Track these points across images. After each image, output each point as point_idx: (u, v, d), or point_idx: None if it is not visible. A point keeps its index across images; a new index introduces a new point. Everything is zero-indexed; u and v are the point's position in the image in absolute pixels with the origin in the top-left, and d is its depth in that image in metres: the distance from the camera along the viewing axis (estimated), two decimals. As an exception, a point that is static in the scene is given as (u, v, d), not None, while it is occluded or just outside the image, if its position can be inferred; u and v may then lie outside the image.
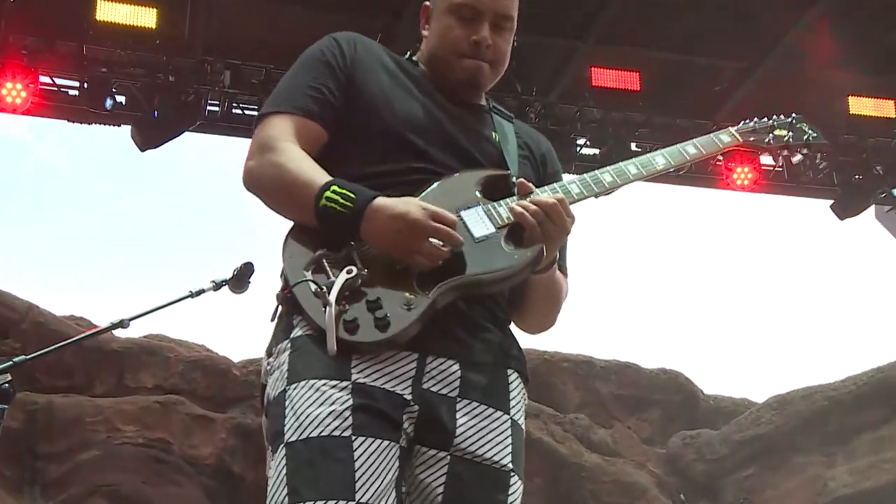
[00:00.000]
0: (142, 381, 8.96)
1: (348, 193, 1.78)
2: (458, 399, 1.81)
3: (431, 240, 1.76)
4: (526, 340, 2.03)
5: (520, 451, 1.87)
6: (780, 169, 8.69)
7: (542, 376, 10.10)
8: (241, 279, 3.86)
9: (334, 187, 1.79)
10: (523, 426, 1.91)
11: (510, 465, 1.83)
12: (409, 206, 1.77)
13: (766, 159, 8.49)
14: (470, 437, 1.81)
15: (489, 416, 1.84)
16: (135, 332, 9.72)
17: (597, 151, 8.45)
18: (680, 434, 10.80)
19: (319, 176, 1.83)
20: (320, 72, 1.99)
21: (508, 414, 1.87)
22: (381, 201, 1.78)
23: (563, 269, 2.08)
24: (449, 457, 1.79)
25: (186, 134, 7.48)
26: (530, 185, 1.93)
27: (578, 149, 8.37)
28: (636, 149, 8.54)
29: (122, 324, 3.66)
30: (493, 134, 2.09)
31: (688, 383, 11.21)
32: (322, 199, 1.78)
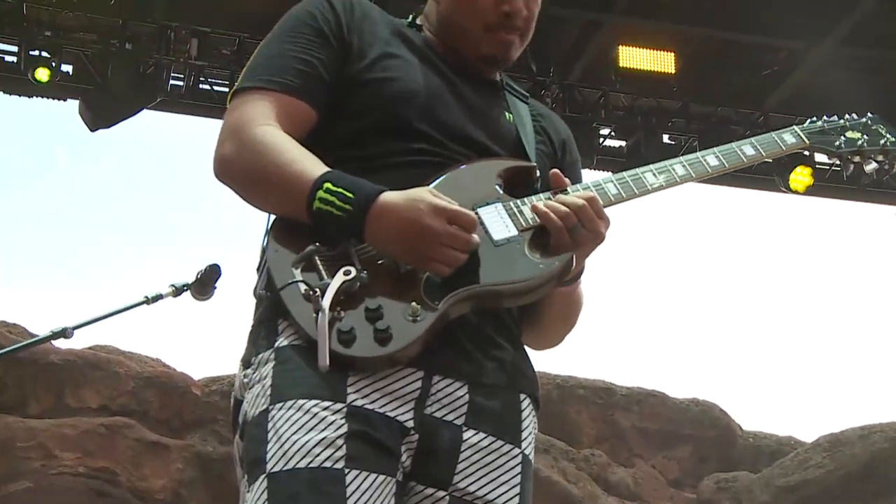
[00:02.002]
0: (85, 401, 8.93)
1: (345, 192, 1.75)
2: (465, 428, 1.81)
3: (447, 245, 1.75)
4: (536, 363, 2.03)
5: (528, 492, 1.87)
6: (838, 169, 8.69)
7: (554, 405, 10.09)
8: (205, 284, 3.87)
9: (328, 184, 1.76)
10: (533, 461, 1.91)
11: None
12: (421, 206, 1.75)
13: (820, 157, 8.49)
14: (472, 474, 1.80)
15: (497, 450, 1.84)
16: (78, 342, 9.72)
17: (623, 143, 8.48)
18: (713, 476, 10.78)
19: (311, 166, 1.81)
20: (309, 39, 1.96)
21: (520, 448, 1.87)
22: (386, 200, 1.76)
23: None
24: (448, 497, 1.79)
25: (144, 112, 7.49)
26: (565, 178, 1.93)
27: (601, 140, 8.40)
28: (669, 141, 8.56)
29: (65, 333, 3.67)
30: (508, 115, 2.08)
31: (724, 417, 11.20)
32: (315, 200, 1.76)
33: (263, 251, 1.90)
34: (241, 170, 1.87)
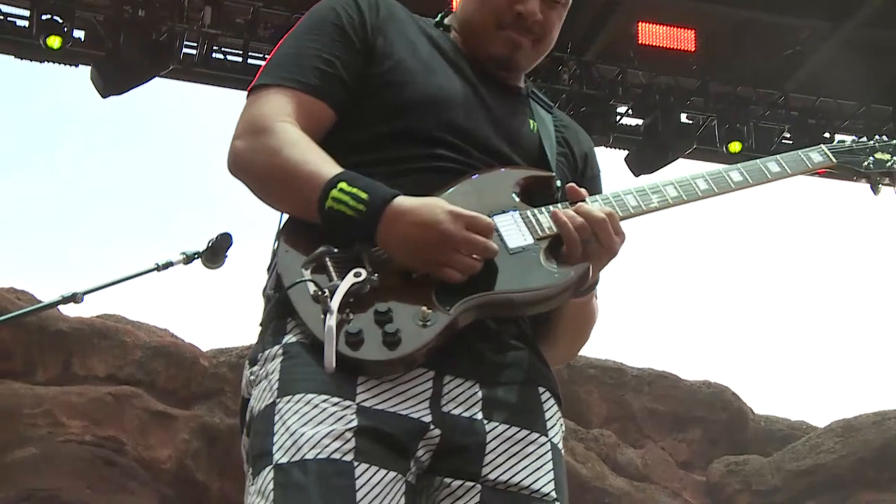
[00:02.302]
0: (92, 369, 8.99)
1: (359, 193, 1.74)
2: (486, 421, 1.79)
3: (464, 252, 1.74)
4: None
5: (562, 480, 1.85)
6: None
7: (564, 384, 10.05)
8: (216, 252, 3.88)
9: (342, 184, 1.75)
10: (562, 451, 1.89)
11: (553, 495, 1.81)
12: (437, 211, 1.74)
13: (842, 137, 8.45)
14: (502, 464, 1.79)
15: (523, 438, 1.82)
16: (87, 310, 9.79)
17: (640, 122, 8.46)
18: (724, 459, 10.81)
19: (324, 167, 1.80)
20: (332, 38, 1.95)
21: (546, 436, 1.85)
22: (401, 204, 1.75)
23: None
24: (479, 487, 1.77)
25: (157, 80, 7.50)
26: (581, 190, 1.91)
27: (618, 118, 8.38)
28: (686, 121, 8.54)
29: (75, 298, 3.68)
30: (532, 123, 2.07)
31: (735, 400, 11.21)
32: (328, 199, 1.75)
33: (274, 253, 1.89)
34: (255, 166, 1.86)
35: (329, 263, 1.76)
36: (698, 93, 8.34)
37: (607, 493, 9.89)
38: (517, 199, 1.91)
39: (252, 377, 1.82)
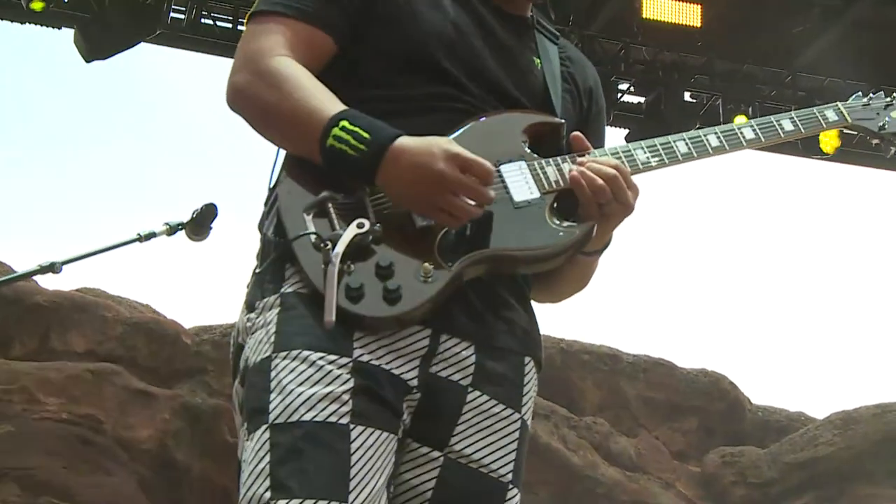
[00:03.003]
0: (71, 344, 8.97)
1: (361, 133, 1.75)
2: (470, 389, 1.83)
3: (459, 195, 1.74)
4: (540, 326, 2.04)
5: (523, 458, 1.89)
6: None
7: (557, 370, 10.12)
8: (201, 223, 3.86)
9: (344, 122, 1.76)
10: (530, 426, 1.94)
11: (509, 477, 1.85)
12: (435, 150, 1.75)
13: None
14: (471, 436, 1.82)
15: (498, 414, 1.85)
16: (66, 282, 9.75)
17: (642, 99, 8.44)
18: (719, 450, 10.84)
19: (327, 103, 1.80)
20: None
21: (519, 412, 1.89)
22: (402, 144, 1.75)
23: None
24: (442, 458, 1.80)
25: (143, 45, 7.44)
26: (586, 141, 1.93)
27: (620, 95, 8.35)
28: (690, 99, 8.51)
29: (53, 268, 3.64)
30: (536, 60, 2.07)
31: (733, 389, 11.23)
32: (329, 137, 1.76)
33: (272, 189, 1.90)
34: (255, 102, 1.87)
35: (332, 210, 1.76)
36: (703, 70, 8.32)
37: (599, 482, 9.91)
38: (525, 148, 1.91)
39: (248, 324, 1.84)
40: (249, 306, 1.85)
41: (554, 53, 2.12)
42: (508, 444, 1.86)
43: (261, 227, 1.91)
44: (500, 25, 2.05)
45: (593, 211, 1.86)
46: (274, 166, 1.92)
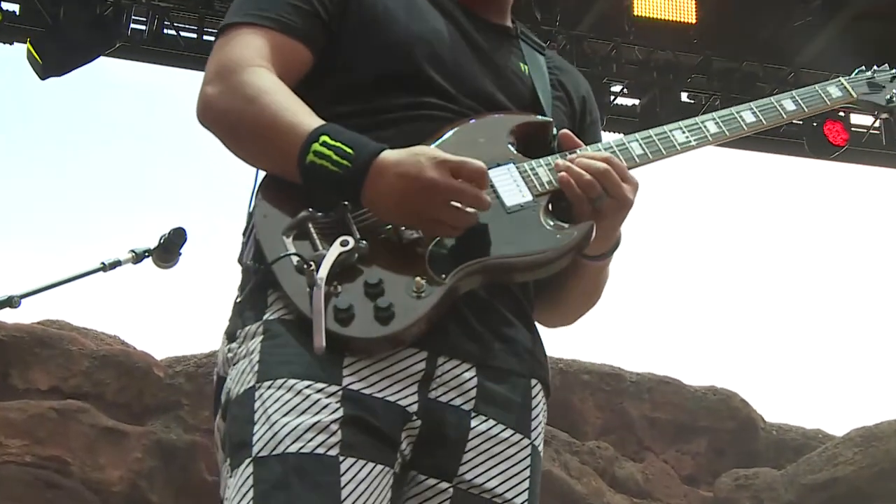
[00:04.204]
0: (33, 381, 8.95)
1: (344, 148, 1.76)
2: (473, 414, 1.83)
3: (454, 203, 1.76)
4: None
5: (537, 487, 1.89)
6: (877, 132, 8.71)
7: (556, 391, 10.09)
8: (169, 249, 3.88)
9: (325, 137, 1.77)
10: (542, 453, 1.94)
11: None
12: (421, 159, 1.76)
13: (858, 118, 8.48)
14: (480, 465, 1.83)
15: (507, 440, 1.86)
16: (26, 315, 9.71)
17: (636, 102, 8.48)
18: (732, 473, 10.84)
19: (305, 118, 1.82)
20: None
21: (529, 438, 1.90)
22: (387, 157, 1.77)
23: None
24: (452, 489, 1.80)
25: (102, 59, 7.46)
26: (576, 138, 1.95)
27: (613, 98, 8.40)
28: (687, 100, 8.56)
29: (11, 302, 3.67)
30: (523, 66, 2.10)
31: (744, 407, 11.25)
32: (309, 153, 1.76)
33: (250, 215, 1.91)
34: (228, 116, 1.88)
35: (313, 230, 1.77)
36: (700, 69, 8.37)
37: (605, 511, 9.91)
38: (513, 150, 1.93)
39: (230, 354, 1.84)
40: (230, 336, 1.85)
41: (542, 62, 2.15)
42: (521, 470, 1.86)
43: (240, 259, 1.92)
44: (483, 34, 2.08)
45: (585, 209, 1.86)
46: (253, 191, 1.92)
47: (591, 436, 10.57)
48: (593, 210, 1.86)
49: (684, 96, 8.52)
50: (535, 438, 1.91)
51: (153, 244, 3.90)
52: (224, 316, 1.92)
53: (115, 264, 3.86)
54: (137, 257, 3.89)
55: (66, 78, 7.35)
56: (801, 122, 8.38)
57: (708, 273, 20.87)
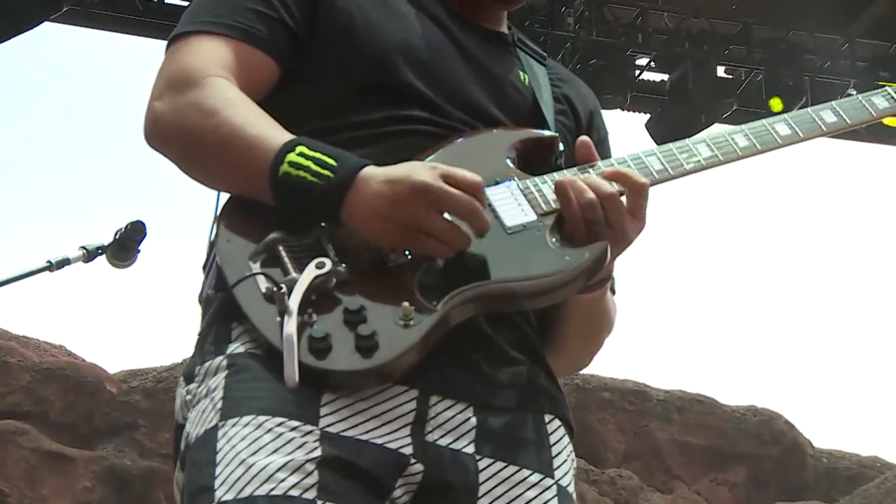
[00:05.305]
0: (-34, 399, 8.97)
1: (325, 158, 1.77)
2: (478, 457, 1.83)
3: (446, 215, 1.76)
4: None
5: None
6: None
7: (573, 411, 10.13)
8: (125, 245, 3.89)
9: (302, 148, 1.78)
10: (573, 495, 1.94)
11: None
12: (413, 166, 1.77)
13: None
14: None
15: (524, 480, 1.86)
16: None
17: (664, 77, 8.48)
18: (775, 506, 10.88)
19: (275, 131, 1.82)
20: None
21: (552, 477, 1.90)
22: (373, 168, 1.77)
23: (611, 286, 2.11)
24: None
25: (46, 24, 7.48)
26: (594, 149, 1.95)
27: (638, 73, 8.40)
28: (725, 75, 8.56)
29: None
30: (522, 75, 2.13)
31: (790, 430, 11.29)
32: (283, 163, 1.77)
33: (212, 244, 1.91)
34: (183, 132, 1.88)
35: (283, 253, 1.78)
36: (739, 39, 8.38)
37: (627, 550, 9.95)
38: (513, 167, 1.95)
39: (189, 397, 1.84)
40: (188, 377, 1.85)
41: (542, 73, 2.18)
42: None
43: (200, 296, 1.93)
44: (476, 41, 2.10)
45: (579, 230, 1.86)
46: (215, 217, 1.92)
47: (611, 463, 10.60)
48: (588, 235, 1.86)
49: (721, 71, 8.53)
50: (561, 478, 1.90)
51: (107, 240, 3.90)
52: (189, 322, 1.95)
53: (63, 263, 3.86)
54: (89, 255, 3.89)
55: (2, 47, 7.39)
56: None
57: (747, 278, 20.87)
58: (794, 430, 11.32)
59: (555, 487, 1.88)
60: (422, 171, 1.75)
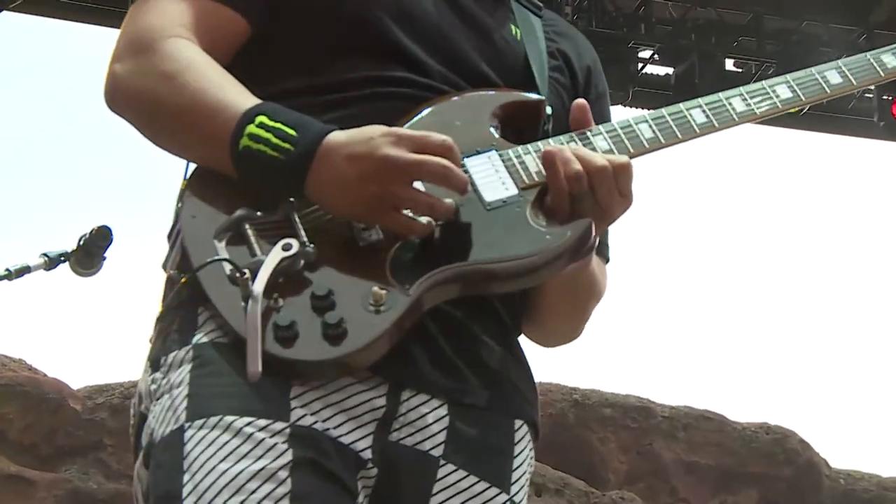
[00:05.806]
0: (-84, 417, 8.95)
1: (285, 129, 1.79)
2: (443, 462, 1.86)
3: (417, 185, 1.78)
4: (545, 371, 2.07)
5: None
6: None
7: (571, 428, 10.15)
8: (90, 252, 3.89)
9: (262, 118, 1.79)
10: None
11: None
12: (373, 133, 1.78)
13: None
14: None
15: (480, 494, 1.89)
16: None
17: (670, 70, 8.50)
18: (789, 531, 10.88)
19: (237, 96, 1.84)
20: None
21: (507, 493, 1.92)
22: (335, 138, 1.79)
23: (603, 253, 2.14)
24: None
25: (6, 14, 7.48)
26: (590, 114, 1.96)
27: (641, 66, 8.43)
28: (734, 68, 8.59)
29: None
30: (514, 30, 2.14)
31: (804, 449, 11.29)
32: (243, 136, 1.79)
33: (177, 216, 1.93)
34: (142, 97, 1.91)
35: (249, 232, 1.80)
36: (749, 30, 8.40)
37: (630, 578, 9.95)
38: (496, 135, 1.96)
39: (153, 386, 1.86)
40: (154, 364, 1.88)
41: (538, 26, 2.18)
42: None
43: (163, 265, 1.96)
44: None
45: (562, 204, 1.87)
46: (181, 186, 1.95)
47: (613, 484, 10.60)
48: (572, 210, 1.87)
49: (729, 64, 8.56)
50: (516, 493, 1.94)
51: (71, 246, 3.89)
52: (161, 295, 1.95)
53: (23, 271, 3.87)
54: (51, 262, 3.89)
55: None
56: (870, 96, 8.42)
57: (758, 287, 20.89)
58: (810, 448, 11.32)
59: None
60: (386, 145, 1.76)
